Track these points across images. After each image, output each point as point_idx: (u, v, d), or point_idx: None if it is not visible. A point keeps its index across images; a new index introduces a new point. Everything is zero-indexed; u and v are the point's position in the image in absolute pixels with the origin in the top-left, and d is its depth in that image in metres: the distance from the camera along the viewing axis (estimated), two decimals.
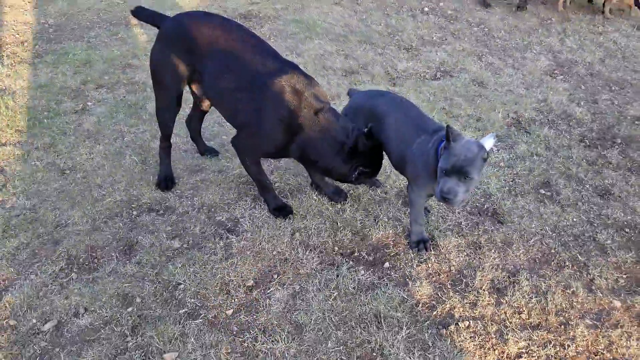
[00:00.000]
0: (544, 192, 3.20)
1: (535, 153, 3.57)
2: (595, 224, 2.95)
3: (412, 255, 2.67)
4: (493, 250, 2.72)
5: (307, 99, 2.56)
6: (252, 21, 5.44)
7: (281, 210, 2.89)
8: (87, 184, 3.08)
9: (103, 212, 2.87)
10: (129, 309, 2.34)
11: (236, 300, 2.41)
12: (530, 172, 3.37)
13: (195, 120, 3.23)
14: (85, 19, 5.38)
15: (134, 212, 2.89)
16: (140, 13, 2.87)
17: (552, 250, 2.76)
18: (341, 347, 2.20)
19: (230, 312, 2.35)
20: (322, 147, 2.61)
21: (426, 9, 6.17)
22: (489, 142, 2.27)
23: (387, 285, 2.50)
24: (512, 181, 3.28)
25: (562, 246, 2.79)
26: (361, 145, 2.61)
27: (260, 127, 2.62)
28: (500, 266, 2.64)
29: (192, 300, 2.40)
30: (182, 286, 2.46)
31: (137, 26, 5.11)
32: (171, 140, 3.05)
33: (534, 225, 2.91)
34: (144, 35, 4.92)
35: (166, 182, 3.06)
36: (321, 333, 2.26)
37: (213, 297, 2.41)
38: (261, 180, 2.87)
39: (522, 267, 2.64)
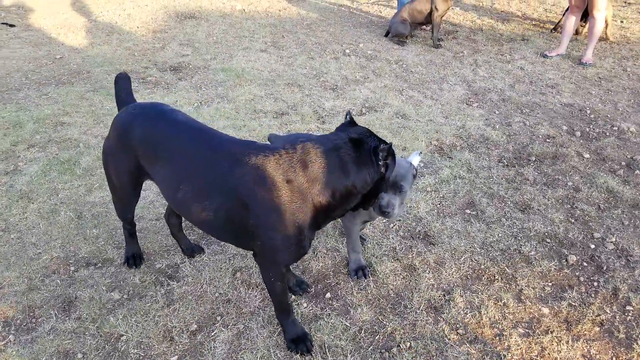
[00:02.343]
0: (469, 211, 3.41)
1: (458, 176, 3.81)
2: (519, 238, 3.17)
3: (352, 283, 2.76)
4: (427, 271, 2.86)
5: (283, 155, 2.05)
6: (182, 72, 5.53)
7: (299, 343, 2.38)
8: (21, 243, 3.00)
9: (39, 271, 2.80)
10: None
11: (180, 346, 2.39)
12: (456, 194, 3.60)
13: (175, 214, 2.79)
14: (14, 81, 5.27)
15: (72, 268, 2.84)
16: (119, 82, 2.53)
17: (482, 266, 2.92)
18: None
19: (174, 358, 2.33)
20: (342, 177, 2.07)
21: (347, 50, 6.49)
22: (415, 159, 2.50)
23: (329, 315, 2.56)
24: (439, 204, 3.48)
25: (491, 261, 2.96)
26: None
27: (262, 225, 2.04)
28: (435, 286, 2.77)
29: (135, 350, 2.36)
30: (124, 337, 2.42)
31: (67, 85, 5.08)
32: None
33: (463, 244, 3.09)
34: (74, 93, 4.89)
35: (134, 259, 2.86)
36: None
37: (157, 345, 2.39)
38: (284, 301, 2.34)
39: (455, 284, 2.78)
